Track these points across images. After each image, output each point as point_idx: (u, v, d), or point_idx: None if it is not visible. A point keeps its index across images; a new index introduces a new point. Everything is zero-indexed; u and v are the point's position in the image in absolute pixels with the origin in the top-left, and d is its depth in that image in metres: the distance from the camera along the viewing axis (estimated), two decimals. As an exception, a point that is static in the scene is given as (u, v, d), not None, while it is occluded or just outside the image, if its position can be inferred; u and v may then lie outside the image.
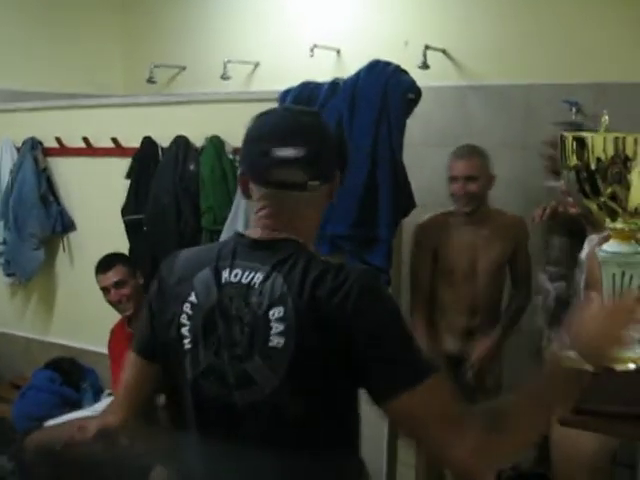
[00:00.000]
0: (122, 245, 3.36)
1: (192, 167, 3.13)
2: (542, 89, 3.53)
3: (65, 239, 3.77)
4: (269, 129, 1.32)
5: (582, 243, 2.54)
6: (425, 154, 3.82)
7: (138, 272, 3.09)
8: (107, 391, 3.51)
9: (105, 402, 3.32)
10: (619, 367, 1.33)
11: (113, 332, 3.23)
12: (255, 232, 1.34)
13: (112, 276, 3.01)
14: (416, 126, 3.50)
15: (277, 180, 1.29)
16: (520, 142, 3.48)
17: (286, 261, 1.27)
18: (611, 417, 1.32)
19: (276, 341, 1.22)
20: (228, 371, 1.27)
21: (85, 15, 4.75)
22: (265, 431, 1.27)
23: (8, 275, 3.87)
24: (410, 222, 3.03)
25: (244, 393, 1.26)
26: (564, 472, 2.34)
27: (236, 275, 1.28)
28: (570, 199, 2.54)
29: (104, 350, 3.37)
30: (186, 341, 1.30)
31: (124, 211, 3.36)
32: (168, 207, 3.15)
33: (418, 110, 2.83)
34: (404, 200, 2.76)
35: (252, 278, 1.27)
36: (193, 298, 1.30)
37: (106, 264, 3.04)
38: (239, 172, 1.39)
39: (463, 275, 2.92)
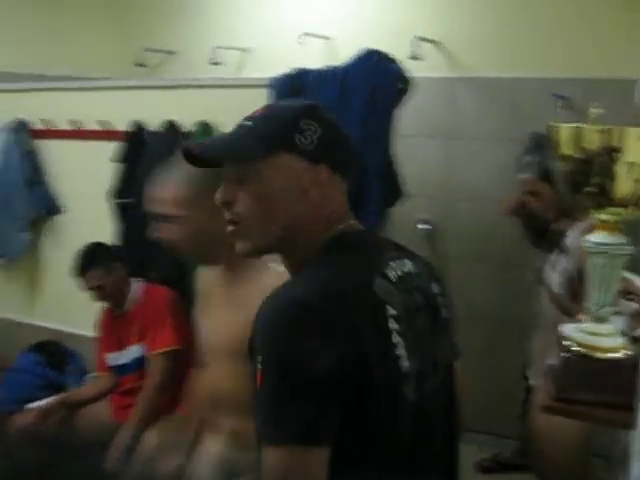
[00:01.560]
0: (108, 228, 3.38)
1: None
2: (531, 82, 3.55)
3: (52, 221, 3.77)
4: (334, 118, 1.26)
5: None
6: (416, 145, 3.85)
7: (115, 264, 3.06)
8: (91, 374, 3.50)
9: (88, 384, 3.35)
10: (599, 355, 1.36)
11: (100, 319, 3.23)
12: (351, 226, 1.24)
13: (86, 282, 3.03)
14: (407, 117, 3.53)
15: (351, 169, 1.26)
16: (508, 135, 3.50)
17: (396, 243, 1.31)
18: (591, 405, 1.34)
19: (444, 312, 1.29)
20: (429, 366, 1.20)
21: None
22: (444, 419, 1.26)
23: (-7, 256, 3.86)
24: (400, 211, 3.05)
25: (433, 382, 1.21)
26: (544, 459, 2.38)
27: (395, 269, 1.20)
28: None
29: (89, 333, 3.38)
30: (403, 360, 1.13)
31: (112, 194, 3.36)
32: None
33: (409, 101, 2.84)
34: (393, 190, 2.78)
35: (404, 265, 1.23)
36: (392, 311, 1.13)
37: (80, 268, 3.03)
38: (310, 164, 1.18)
39: None
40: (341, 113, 2.70)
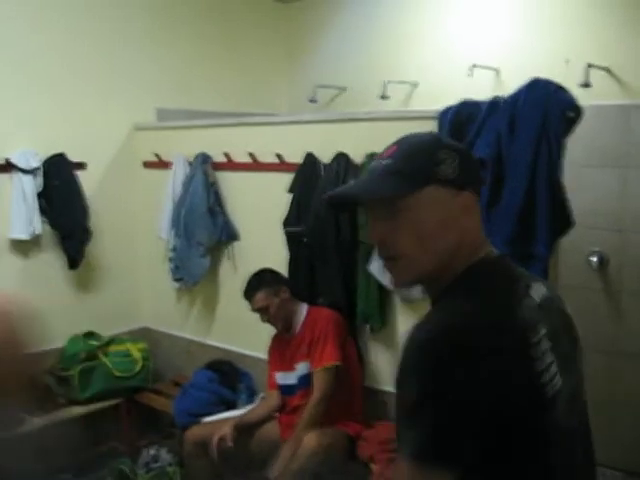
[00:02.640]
0: (281, 255, 3.53)
1: (352, 182, 3.23)
2: None
3: (229, 248, 3.97)
4: (464, 146, 1.33)
5: None
6: (587, 174, 3.75)
7: (282, 288, 3.26)
8: (261, 394, 3.66)
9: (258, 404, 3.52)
10: None
11: (273, 339, 3.43)
12: (492, 251, 1.27)
13: (254, 305, 3.25)
14: (578, 146, 3.44)
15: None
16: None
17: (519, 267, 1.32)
18: None
19: (575, 334, 1.30)
20: (573, 389, 1.21)
21: (254, 41, 5.06)
22: (584, 441, 1.27)
23: (176, 280, 4.10)
24: (571, 242, 2.98)
25: (576, 406, 1.23)
26: None
27: (536, 291, 1.22)
28: None
29: (260, 355, 3.55)
30: (555, 380, 1.13)
31: (285, 223, 3.50)
32: (328, 220, 3.26)
33: (579, 129, 2.78)
34: (562, 219, 2.72)
35: (541, 288, 1.24)
36: (543, 330, 1.14)
37: (247, 293, 3.28)
38: (446, 193, 1.20)
39: None
40: (511, 142, 2.70)
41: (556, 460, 1.13)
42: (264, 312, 3.25)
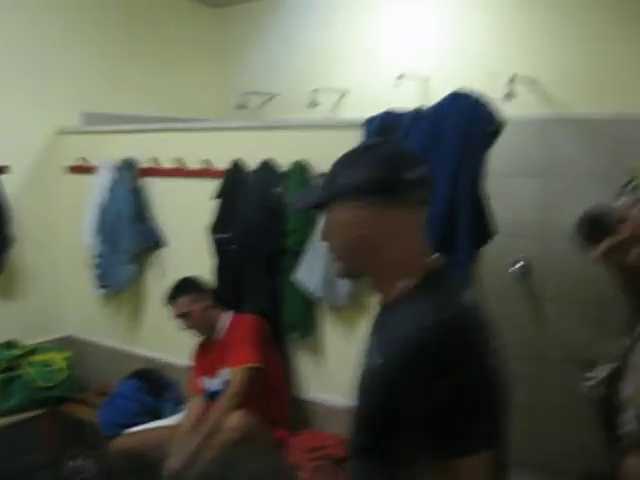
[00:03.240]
0: (208, 262, 3.51)
1: (278, 190, 3.24)
2: (632, 122, 3.48)
3: (156, 254, 3.92)
4: (402, 157, 1.31)
5: None
6: (511, 184, 3.84)
7: (204, 295, 3.28)
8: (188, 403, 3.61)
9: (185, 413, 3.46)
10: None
11: (198, 345, 3.41)
12: (435, 258, 1.34)
13: (175, 310, 3.26)
14: (502, 156, 3.51)
15: (425, 199, 1.31)
16: (608, 174, 3.41)
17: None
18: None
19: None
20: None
21: (183, 46, 5.01)
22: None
23: (101, 287, 4.03)
24: (492, 250, 3.03)
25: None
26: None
27: (467, 298, 1.29)
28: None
29: (186, 362, 3.51)
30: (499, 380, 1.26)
31: (212, 229, 3.48)
32: (254, 227, 3.25)
33: (503, 140, 2.84)
34: (485, 229, 2.77)
35: (468, 296, 1.29)
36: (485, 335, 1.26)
37: (170, 297, 3.29)
38: (375, 204, 1.27)
39: None
40: (434, 153, 2.73)
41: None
42: (186, 318, 3.26)
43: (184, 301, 3.24)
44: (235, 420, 2.98)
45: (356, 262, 1.32)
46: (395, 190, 1.26)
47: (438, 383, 1.13)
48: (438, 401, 1.12)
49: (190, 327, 3.28)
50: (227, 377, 3.17)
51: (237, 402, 3.04)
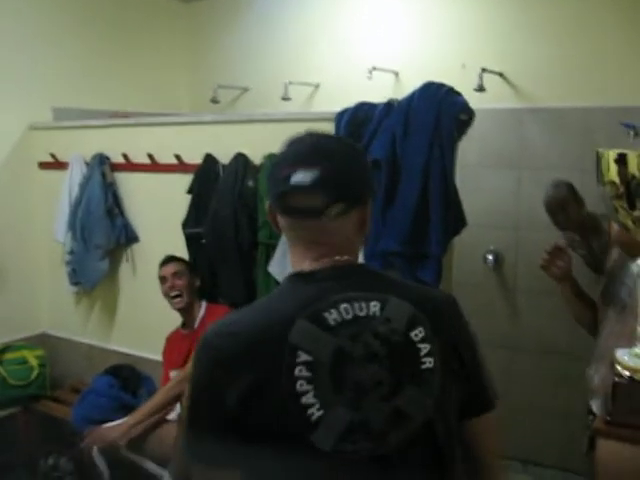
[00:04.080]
0: (182, 256, 3.48)
1: (250, 183, 3.23)
2: (600, 112, 3.52)
3: (129, 250, 3.90)
4: (288, 156, 1.25)
5: None
6: (483, 175, 3.87)
7: (197, 277, 3.32)
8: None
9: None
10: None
11: (168, 339, 3.40)
12: (316, 264, 1.22)
13: (171, 267, 3.27)
14: (472, 148, 3.56)
15: (294, 207, 1.21)
16: (578, 165, 3.45)
17: (384, 281, 1.24)
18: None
19: (427, 362, 1.16)
20: (375, 418, 1.12)
21: (154, 40, 4.98)
22: (423, 473, 1.18)
23: (74, 284, 3.99)
24: (464, 240, 3.06)
25: (395, 435, 1.13)
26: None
27: (347, 311, 1.14)
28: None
29: (161, 358, 3.49)
30: (314, 409, 1.10)
31: (185, 224, 3.47)
32: (227, 221, 3.24)
33: (474, 132, 2.87)
34: (455, 219, 2.79)
35: (368, 308, 1.16)
36: (305, 357, 1.11)
37: (169, 258, 3.33)
38: (267, 205, 1.29)
39: None
40: (405, 144, 2.75)
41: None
42: (179, 279, 3.24)
43: (181, 264, 3.30)
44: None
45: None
46: (275, 201, 1.26)
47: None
48: None
49: (174, 287, 3.24)
50: None
51: (183, 386, 2.97)
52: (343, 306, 1.14)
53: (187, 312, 3.28)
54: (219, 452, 1.12)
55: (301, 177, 1.17)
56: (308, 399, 1.09)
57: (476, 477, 1.29)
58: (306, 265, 1.23)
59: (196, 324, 3.27)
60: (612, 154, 1.30)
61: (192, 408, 1.17)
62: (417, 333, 1.16)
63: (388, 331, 1.15)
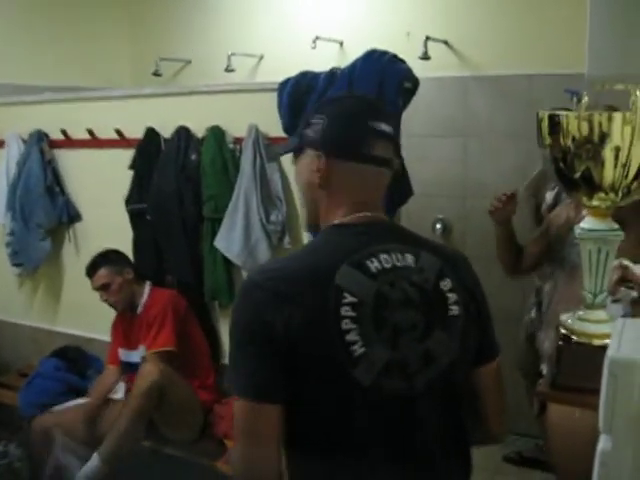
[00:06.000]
0: (126, 234, 3.42)
1: (194, 157, 3.17)
2: (544, 79, 3.54)
3: (71, 229, 3.81)
4: (363, 108, 1.34)
5: None
6: (428, 144, 3.86)
7: (125, 268, 3.22)
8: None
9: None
10: (596, 342, 1.35)
11: (114, 324, 3.37)
12: (352, 217, 1.31)
13: (95, 281, 3.19)
14: (418, 117, 3.54)
15: (378, 155, 1.30)
16: (523, 132, 3.46)
17: (415, 237, 1.36)
18: (587, 392, 1.33)
19: (454, 310, 1.28)
20: (409, 358, 1.23)
21: (92, 10, 4.80)
22: (440, 412, 1.29)
23: (15, 265, 3.89)
24: (412, 209, 3.04)
25: (424, 375, 1.24)
26: (560, 455, 2.35)
27: (387, 261, 1.25)
28: None
29: (108, 338, 3.43)
30: (357, 346, 1.18)
31: (128, 201, 3.40)
32: (170, 196, 3.18)
33: (420, 101, 2.85)
34: (401, 188, 2.77)
35: (404, 259, 1.27)
36: (350, 298, 1.19)
37: (90, 269, 3.22)
38: (311, 155, 1.33)
39: None
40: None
41: (361, 422, 1.22)
42: (105, 290, 3.18)
43: (104, 273, 3.17)
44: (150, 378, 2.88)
45: (306, 210, 1.39)
46: (349, 146, 1.30)
47: None
48: None
49: (109, 300, 3.20)
50: (143, 354, 3.12)
51: (152, 392, 2.87)
52: (383, 256, 1.25)
53: (128, 303, 3.23)
54: (265, 386, 1.19)
55: (384, 127, 1.30)
56: (352, 336, 1.18)
57: (480, 426, 1.42)
58: (340, 215, 1.31)
59: (139, 309, 3.21)
60: (553, 116, 1.28)
61: (240, 344, 1.22)
62: (445, 284, 1.29)
63: (421, 280, 1.27)
